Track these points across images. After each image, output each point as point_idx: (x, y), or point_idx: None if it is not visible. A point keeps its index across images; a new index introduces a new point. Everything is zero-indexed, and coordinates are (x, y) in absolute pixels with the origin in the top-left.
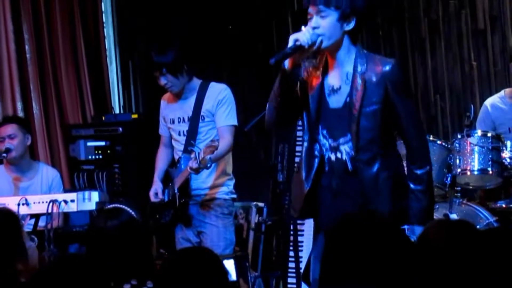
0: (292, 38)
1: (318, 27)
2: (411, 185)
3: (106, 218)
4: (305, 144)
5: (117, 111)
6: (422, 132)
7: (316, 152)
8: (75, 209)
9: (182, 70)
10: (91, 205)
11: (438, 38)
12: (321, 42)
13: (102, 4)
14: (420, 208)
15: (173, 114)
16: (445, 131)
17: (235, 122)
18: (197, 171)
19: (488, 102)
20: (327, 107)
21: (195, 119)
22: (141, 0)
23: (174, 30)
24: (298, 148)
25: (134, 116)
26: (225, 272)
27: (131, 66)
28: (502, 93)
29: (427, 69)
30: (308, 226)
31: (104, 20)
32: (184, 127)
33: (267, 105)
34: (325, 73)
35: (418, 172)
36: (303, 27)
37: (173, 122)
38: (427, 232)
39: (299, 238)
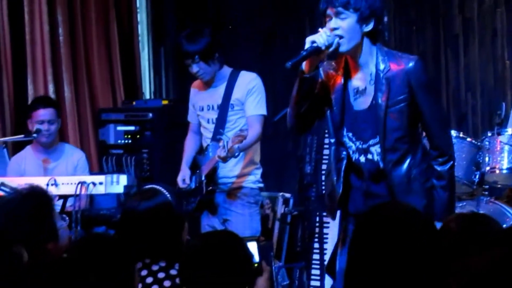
0: (308, 40)
1: (338, 28)
2: (434, 181)
3: (141, 198)
4: (332, 147)
5: (147, 97)
6: (446, 129)
7: (343, 155)
8: (103, 192)
9: (214, 57)
10: (119, 188)
11: (472, 35)
12: (339, 44)
13: None
14: (441, 204)
15: (202, 101)
16: (475, 129)
17: (265, 112)
18: (225, 159)
19: None
20: (352, 110)
21: (224, 107)
22: None
23: (206, 17)
24: (325, 152)
25: (165, 102)
26: (250, 255)
27: (163, 53)
28: None
29: (459, 66)
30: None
31: (137, 5)
32: (213, 115)
33: (287, 111)
34: (346, 75)
35: (440, 168)
36: (320, 29)
37: (202, 109)
38: (448, 224)
39: (324, 230)
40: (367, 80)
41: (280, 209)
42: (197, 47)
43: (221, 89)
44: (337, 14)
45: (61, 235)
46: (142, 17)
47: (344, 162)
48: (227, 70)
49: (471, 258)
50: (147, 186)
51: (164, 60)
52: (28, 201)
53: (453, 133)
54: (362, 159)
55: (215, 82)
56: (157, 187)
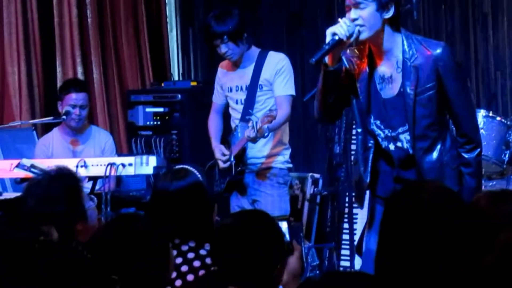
0: (329, 32)
1: (358, 18)
2: (461, 168)
3: (172, 177)
4: (359, 137)
5: (176, 79)
6: (473, 116)
7: (370, 144)
8: (132, 173)
9: (243, 37)
10: (148, 169)
11: (502, 14)
12: (359, 32)
13: None
14: (468, 191)
15: (230, 82)
16: (504, 108)
17: (293, 92)
18: (254, 140)
19: None
20: (379, 98)
21: (253, 88)
22: None
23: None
24: (354, 132)
25: (193, 83)
26: (282, 233)
27: (191, 34)
28: None
29: (489, 46)
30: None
31: None
32: (242, 95)
33: (314, 103)
34: (371, 63)
35: (468, 156)
36: (339, 19)
37: (231, 90)
38: (478, 200)
39: (354, 211)
40: (394, 67)
41: (310, 189)
42: (226, 27)
43: (249, 70)
44: (356, 5)
45: (90, 216)
46: None
47: (372, 150)
48: (255, 51)
49: (505, 233)
50: (178, 167)
51: (192, 41)
52: (57, 183)
53: (483, 112)
54: (392, 146)
55: (243, 62)
56: (188, 167)
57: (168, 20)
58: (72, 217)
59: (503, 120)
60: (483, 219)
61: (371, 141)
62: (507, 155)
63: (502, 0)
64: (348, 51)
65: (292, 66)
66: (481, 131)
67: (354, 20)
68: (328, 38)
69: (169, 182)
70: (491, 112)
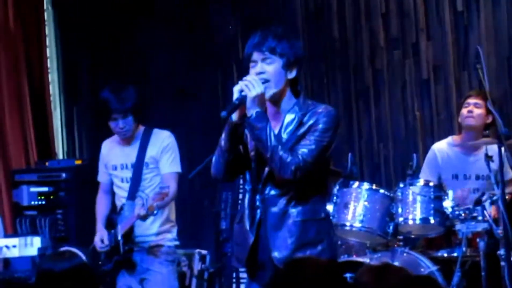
0: (236, 89)
1: (264, 72)
2: None
3: (57, 259)
4: (247, 194)
5: (60, 157)
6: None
7: (258, 203)
8: (17, 255)
9: (141, 114)
10: (33, 251)
11: (383, 87)
12: (265, 89)
13: (48, 49)
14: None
15: (115, 160)
16: (388, 180)
17: (179, 169)
18: (144, 217)
19: (436, 146)
20: None
21: (139, 165)
22: (87, 47)
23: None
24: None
25: (78, 162)
26: None
27: (75, 112)
28: (449, 139)
29: (371, 118)
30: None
31: (49, 66)
32: (127, 173)
33: (213, 159)
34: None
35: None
36: (244, 78)
37: (116, 168)
38: (361, 276)
39: (241, 286)
40: (286, 128)
41: (197, 266)
42: (128, 103)
43: (134, 147)
44: (264, 59)
45: None
46: (53, 77)
47: (259, 211)
48: (140, 128)
49: None
50: (62, 249)
51: (76, 120)
52: None
53: (366, 185)
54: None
55: (127, 141)
56: (73, 249)
57: (52, 98)
58: None
59: (386, 193)
60: None
61: (259, 201)
62: (391, 227)
63: (383, 73)
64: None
65: (179, 142)
66: (365, 203)
67: (260, 73)
68: (235, 95)
69: (53, 263)
70: (374, 185)
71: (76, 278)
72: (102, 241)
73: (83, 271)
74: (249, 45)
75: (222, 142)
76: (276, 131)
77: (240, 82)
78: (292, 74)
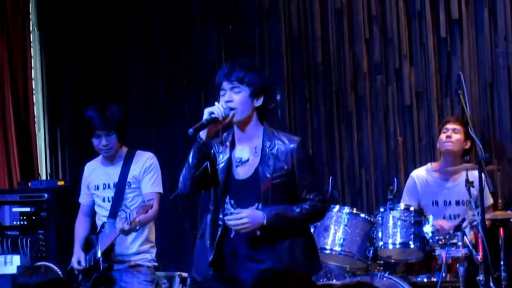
0: (207, 111)
1: (232, 101)
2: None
3: (32, 273)
4: (210, 214)
5: (44, 178)
6: (322, 186)
7: (219, 221)
8: None
9: (125, 133)
10: (12, 269)
11: (365, 112)
12: (234, 115)
13: (32, 71)
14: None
15: (98, 180)
16: (369, 205)
17: (161, 190)
18: (127, 232)
19: (415, 173)
20: (234, 178)
21: (121, 184)
22: (70, 68)
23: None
24: None
25: (61, 182)
26: None
27: (59, 134)
28: (428, 165)
29: (353, 143)
30: None
31: (34, 86)
32: (109, 193)
33: (181, 177)
34: (232, 146)
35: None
36: (216, 103)
37: (98, 188)
38: None
39: None
40: (252, 152)
41: None
42: (113, 121)
43: (117, 167)
44: (232, 88)
45: None
46: (38, 99)
47: (220, 229)
48: (123, 149)
49: None
50: (38, 263)
51: (60, 141)
52: None
53: (347, 209)
54: None
55: (110, 160)
56: (49, 264)
57: (36, 120)
58: None
59: (366, 217)
60: None
61: (221, 219)
62: (371, 251)
63: (365, 99)
64: (215, 139)
65: (161, 163)
66: (345, 228)
67: (228, 102)
68: (205, 116)
69: (29, 277)
70: (355, 209)
71: None
72: (79, 262)
73: (58, 285)
74: (220, 74)
75: (190, 158)
76: (246, 154)
77: (211, 107)
78: (259, 102)
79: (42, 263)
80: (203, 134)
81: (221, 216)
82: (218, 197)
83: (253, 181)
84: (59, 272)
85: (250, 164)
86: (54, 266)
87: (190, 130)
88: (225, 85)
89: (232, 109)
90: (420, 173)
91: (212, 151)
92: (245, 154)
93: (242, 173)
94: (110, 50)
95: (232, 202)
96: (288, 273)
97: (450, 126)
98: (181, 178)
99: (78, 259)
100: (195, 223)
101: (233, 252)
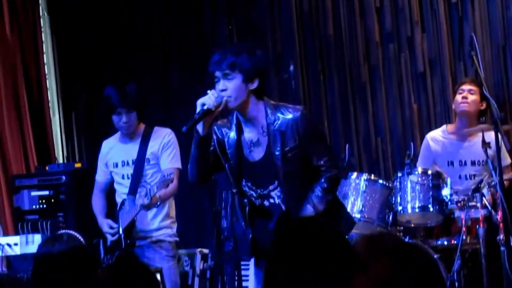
0: (199, 103)
1: (226, 89)
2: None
3: (54, 241)
4: (236, 197)
5: (60, 162)
6: (333, 156)
7: (245, 202)
8: (18, 253)
9: (144, 111)
10: (34, 248)
11: (379, 82)
12: (227, 101)
13: (44, 56)
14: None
15: (116, 157)
16: (387, 174)
17: (180, 166)
18: (148, 207)
19: (429, 135)
20: (248, 161)
21: (140, 161)
22: (83, 52)
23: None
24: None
25: (78, 165)
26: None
27: (74, 118)
28: (444, 127)
29: (368, 114)
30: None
31: (46, 72)
32: (129, 170)
33: (188, 166)
34: (239, 130)
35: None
36: (208, 91)
37: (116, 166)
38: (355, 244)
39: (243, 283)
40: (259, 132)
41: (199, 265)
42: (133, 98)
43: (135, 144)
44: (225, 76)
45: None
46: (51, 83)
47: (247, 209)
48: (141, 126)
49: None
50: (61, 231)
51: (75, 125)
52: None
53: (365, 176)
54: (266, 203)
55: (130, 137)
56: (71, 232)
57: (50, 104)
58: None
59: (384, 183)
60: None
61: (245, 200)
62: (390, 217)
63: (378, 69)
64: (219, 122)
65: (178, 141)
66: (364, 194)
67: (222, 90)
68: (198, 109)
69: (51, 246)
70: (373, 175)
71: (74, 260)
72: (111, 227)
73: (81, 253)
74: (211, 63)
75: (192, 152)
76: (254, 135)
77: (203, 98)
78: (254, 85)
79: (64, 231)
80: (199, 128)
81: (244, 197)
82: (236, 181)
83: (267, 160)
84: (82, 240)
85: (261, 144)
86: (76, 234)
87: (184, 128)
88: (218, 73)
89: (226, 96)
90: (434, 135)
91: (216, 137)
92: (254, 135)
93: (255, 155)
94: (125, 28)
95: (249, 184)
96: (312, 219)
97: (466, 87)
98: (189, 169)
99: (108, 225)
100: (214, 201)
101: (266, 228)
